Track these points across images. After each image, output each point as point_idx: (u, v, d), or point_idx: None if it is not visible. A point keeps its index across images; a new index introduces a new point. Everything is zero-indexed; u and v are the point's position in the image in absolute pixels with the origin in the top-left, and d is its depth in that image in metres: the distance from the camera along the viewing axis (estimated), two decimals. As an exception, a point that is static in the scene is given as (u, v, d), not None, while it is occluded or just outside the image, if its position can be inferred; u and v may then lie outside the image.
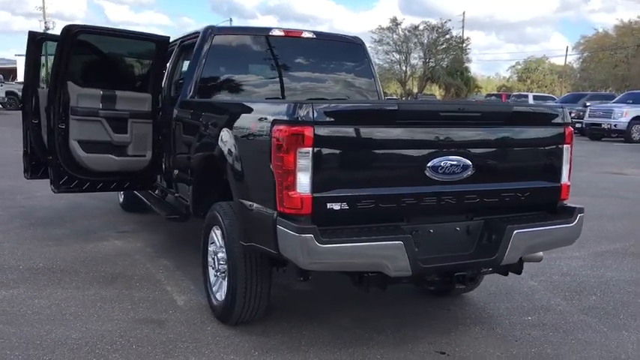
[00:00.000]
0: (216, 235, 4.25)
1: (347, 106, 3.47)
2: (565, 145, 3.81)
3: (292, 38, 5.44)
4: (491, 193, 3.61)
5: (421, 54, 60.11)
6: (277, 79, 5.43)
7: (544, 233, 3.68)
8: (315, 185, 3.16)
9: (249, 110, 3.80)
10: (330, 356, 3.76)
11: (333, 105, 3.33)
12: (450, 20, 60.30)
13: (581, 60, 63.85)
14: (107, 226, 6.92)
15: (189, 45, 5.93)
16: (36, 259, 5.55)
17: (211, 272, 4.39)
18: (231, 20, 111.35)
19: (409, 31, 59.95)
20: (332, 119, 3.18)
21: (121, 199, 7.76)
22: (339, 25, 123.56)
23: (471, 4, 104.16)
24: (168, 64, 5.87)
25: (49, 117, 5.43)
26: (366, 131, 3.28)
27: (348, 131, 3.24)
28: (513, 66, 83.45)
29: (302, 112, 3.14)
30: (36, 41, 6.21)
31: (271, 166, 3.28)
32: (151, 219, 7.25)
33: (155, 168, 5.88)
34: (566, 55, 68.55)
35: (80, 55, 5.62)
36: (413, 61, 60.87)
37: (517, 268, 3.79)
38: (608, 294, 5.08)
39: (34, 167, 6.46)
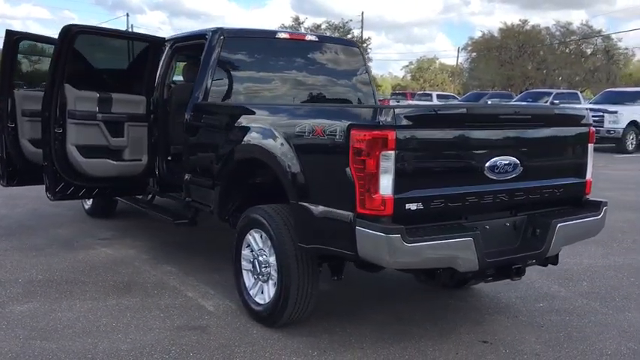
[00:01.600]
0: (255, 238, 4.26)
1: (423, 110, 3.62)
2: (589, 144, 4.16)
3: (297, 41, 5.50)
4: (534, 190, 3.88)
5: (324, 53, 60.84)
6: (285, 81, 5.47)
7: (580, 225, 3.99)
8: (396, 187, 3.28)
9: (310, 114, 3.85)
10: (385, 352, 3.89)
11: (411, 109, 3.46)
12: (351, 20, 61.76)
13: (469, 60, 67.03)
14: (83, 234, 6.64)
15: (183, 47, 5.85)
16: (31, 271, 5.27)
17: (247, 276, 4.40)
18: (128, 15, 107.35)
19: (312, 30, 60.80)
20: (410, 123, 3.31)
21: (87, 206, 7.45)
22: (231, 22, 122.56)
23: (361, 5, 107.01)
24: (160, 66, 5.73)
25: (45, 121, 5.17)
26: (438, 134, 3.45)
27: (424, 134, 3.39)
28: (407, 65, 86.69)
29: (383, 117, 3.25)
30: (13, 40, 5.87)
31: (348, 169, 3.36)
32: (125, 225, 7.05)
33: (149, 172, 5.74)
34: (458, 56, 71.83)
35: (74, 57, 5.38)
36: (316, 60, 61.48)
37: (554, 259, 4.08)
38: (595, 279, 5.53)
39: (11, 174, 6.10)
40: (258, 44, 5.34)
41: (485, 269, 3.65)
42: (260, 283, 4.28)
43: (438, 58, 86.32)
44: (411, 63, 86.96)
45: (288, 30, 5.96)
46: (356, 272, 4.24)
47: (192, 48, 5.84)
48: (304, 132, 3.72)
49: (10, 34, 5.84)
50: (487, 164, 3.61)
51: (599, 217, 4.12)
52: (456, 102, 32.11)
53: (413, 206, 3.36)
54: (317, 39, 5.62)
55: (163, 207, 5.93)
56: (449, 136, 3.48)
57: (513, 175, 3.73)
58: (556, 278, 5.50)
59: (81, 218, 7.36)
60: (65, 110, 5.17)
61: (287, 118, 4.03)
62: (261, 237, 4.23)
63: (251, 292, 4.35)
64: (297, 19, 61.73)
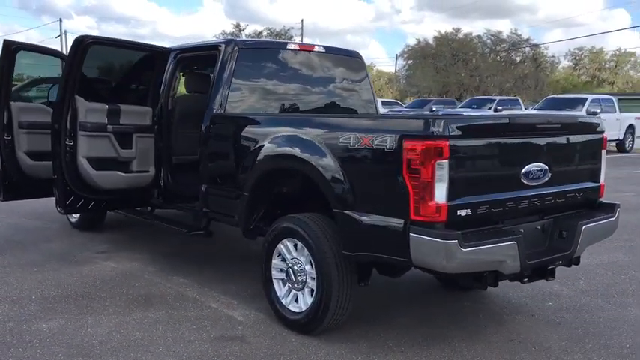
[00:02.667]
0: (287, 247, 4.33)
1: (470, 121, 3.76)
2: (602, 150, 4.43)
3: (306, 52, 5.59)
4: (560, 195, 4.11)
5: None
6: (298, 91, 5.55)
7: (600, 227, 4.25)
8: (449, 194, 3.43)
9: (354, 125, 3.95)
10: (425, 354, 4.03)
11: (462, 119, 3.62)
12: (292, 28, 62.12)
13: (406, 67, 68.27)
14: (77, 247, 6.50)
15: (188, 58, 5.84)
16: (41, 288, 5.15)
17: (277, 285, 4.45)
18: (61, 21, 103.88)
19: (252, 37, 60.74)
20: (459, 133, 3.46)
21: (73, 219, 7.28)
22: (163, 29, 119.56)
23: (294, 12, 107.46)
24: (164, 77, 5.70)
25: (56, 133, 5.07)
26: (483, 142, 3.63)
27: (471, 143, 3.55)
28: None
29: (436, 128, 3.39)
30: (11, 51, 5.71)
31: (400, 178, 3.48)
32: (118, 238, 6.95)
33: (156, 183, 5.71)
34: (396, 63, 73.16)
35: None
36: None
37: (576, 260, 4.32)
38: (590, 278, 5.84)
39: (9, 188, 5.92)
40: (269, 55, 5.40)
41: (525, 271, 3.83)
42: (294, 291, 4.34)
43: (375, 65, 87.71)
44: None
45: (297, 42, 6.01)
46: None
47: (199, 59, 5.85)
48: (349, 143, 3.82)
49: (7, 44, 5.67)
50: (523, 171, 3.82)
51: (614, 218, 4.39)
52: (401, 109, 32.66)
53: (463, 212, 3.52)
54: (324, 50, 5.72)
55: (170, 218, 5.88)
56: (492, 144, 3.66)
57: (544, 181, 3.95)
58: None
59: (69, 232, 7.18)
60: (76, 122, 5.07)
61: (327, 128, 4.11)
62: (294, 246, 4.30)
63: (283, 301, 4.40)
64: (237, 26, 61.81)
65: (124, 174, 5.40)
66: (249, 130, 4.76)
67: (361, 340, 4.22)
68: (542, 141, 3.95)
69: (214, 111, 5.06)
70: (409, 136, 3.48)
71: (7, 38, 5.75)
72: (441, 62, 61.12)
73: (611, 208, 4.42)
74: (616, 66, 69.79)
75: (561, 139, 4.09)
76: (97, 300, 4.88)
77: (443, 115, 3.94)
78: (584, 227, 4.06)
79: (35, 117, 5.93)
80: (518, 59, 61.61)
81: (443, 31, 61.62)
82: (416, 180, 3.42)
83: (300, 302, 4.28)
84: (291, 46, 5.48)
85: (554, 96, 26.70)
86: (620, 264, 6.35)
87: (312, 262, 4.11)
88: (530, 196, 3.89)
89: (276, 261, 4.45)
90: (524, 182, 3.84)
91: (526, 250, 3.77)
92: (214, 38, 58.05)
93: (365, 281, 4.24)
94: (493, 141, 3.66)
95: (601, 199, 4.51)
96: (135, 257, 6.14)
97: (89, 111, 5.13)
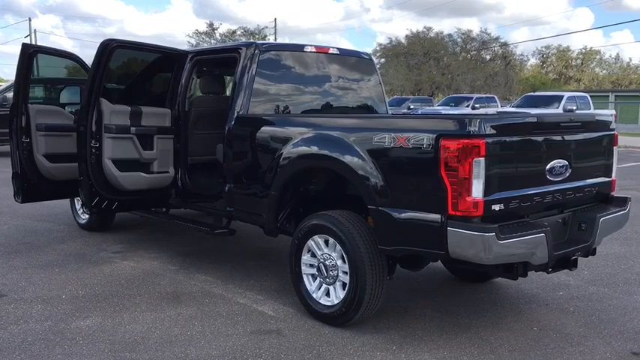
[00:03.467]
0: (318, 243, 4.49)
1: (503, 119, 3.96)
2: (614, 147, 4.68)
3: (322, 54, 5.75)
4: (579, 189, 4.35)
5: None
6: (314, 92, 5.72)
7: (615, 219, 4.50)
8: (485, 190, 3.63)
9: (389, 126, 4.12)
10: (455, 342, 4.23)
11: (496, 119, 3.82)
12: (267, 27, 62.19)
13: (379, 66, 68.60)
14: (92, 248, 6.56)
15: (205, 60, 5.96)
16: (68, 287, 5.23)
17: (307, 280, 4.61)
18: (30, 20, 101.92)
19: (226, 37, 60.63)
20: (494, 131, 3.67)
21: (82, 220, 7.31)
22: (130, 27, 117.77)
23: (263, 11, 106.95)
24: (181, 80, 5.81)
25: (82, 135, 5.15)
26: (514, 140, 3.83)
27: (504, 141, 3.76)
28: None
29: (473, 127, 3.59)
30: (29, 54, 5.76)
31: (437, 175, 3.67)
32: (129, 237, 7.03)
33: (174, 184, 5.82)
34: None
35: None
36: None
37: (594, 251, 4.56)
38: (593, 269, 6.10)
39: (27, 190, 5.97)
40: (288, 57, 5.55)
41: (551, 262, 4.06)
42: (325, 285, 4.50)
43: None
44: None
45: (312, 44, 6.09)
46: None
47: (217, 61, 5.96)
48: (384, 142, 4.00)
49: (25, 47, 5.72)
50: (547, 167, 4.04)
51: (627, 211, 4.64)
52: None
53: (497, 207, 3.72)
54: (338, 52, 5.89)
55: (190, 218, 6.00)
56: (522, 142, 3.87)
57: (565, 176, 4.18)
58: (560, 269, 6.04)
59: (79, 233, 7.22)
60: (101, 125, 5.16)
61: (360, 128, 4.29)
62: (325, 242, 4.46)
63: (314, 295, 4.56)
64: (211, 25, 61.61)
65: (146, 175, 5.50)
66: (278, 131, 4.91)
67: (391, 331, 4.40)
68: (564, 138, 4.17)
69: (238, 112, 5.18)
70: (446, 135, 3.67)
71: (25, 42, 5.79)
72: (413, 60, 61.57)
73: (623, 202, 4.67)
74: (582, 64, 71.39)
75: (580, 137, 4.33)
76: (126, 298, 4.98)
77: (477, 115, 4.12)
78: (602, 219, 4.30)
79: (52, 119, 5.99)
80: (488, 57, 62.55)
81: (414, 30, 62.22)
82: (454, 177, 3.62)
83: (332, 296, 4.44)
84: (308, 48, 5.63)
85: (532, 94, 27.31)
86: (619, 255, 6.64)
87: (345, 257, 4.28)
88: (554, 190, 4.12)
89: (305, 257, 4.61)
90: (549, 178, 4.07)
91: (551, 242, 3.99)
92: (188, 37, 57.37)
93: (390, 275, 4.44)
94: (522, 139, 3.87)
95: (613, 193, 4.76)
96: (152, 257, 6.24)
97: (113, 113, 5.23)
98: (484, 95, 34.22)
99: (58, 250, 6.45)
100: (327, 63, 5.82)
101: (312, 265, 4.59)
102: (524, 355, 4.04)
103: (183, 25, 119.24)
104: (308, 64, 5.67)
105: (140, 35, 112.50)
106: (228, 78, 6.85)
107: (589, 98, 24.34)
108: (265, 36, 61.54)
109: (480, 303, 5.05)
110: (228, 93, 6.33)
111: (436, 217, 3.73)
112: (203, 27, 61.39)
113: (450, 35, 62.11)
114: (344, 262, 4.33)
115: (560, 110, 21.28)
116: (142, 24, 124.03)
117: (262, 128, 5.01)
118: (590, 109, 23.19)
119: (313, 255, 4.57)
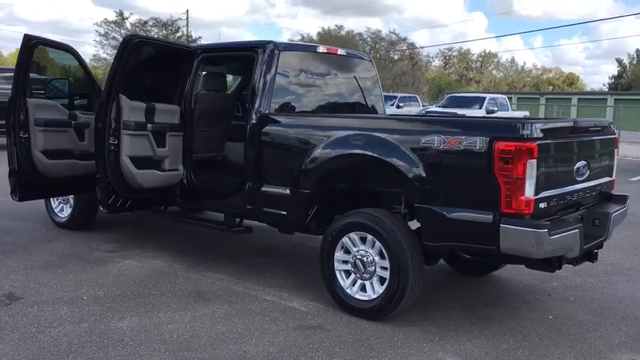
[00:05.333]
0: (353, 240, 4.64)
1: (550, 124, 4.25)
2: (615, 149, 5.13)
3: (332, 55, 5.89)
4: (593, 188, 4.74)
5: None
6: (329, 91, 5.85)
7: (621, 215, 4.93)
8: (536, 189, 3.92)
9: (437, 128, 4.32)
10: (487, 332, 4.51)
11: (543, 123, 4.11)
12: (180, 19, 61.04)
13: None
14: (82, 247, 6.34)
15: (213, 58, 5.94)
16: (84, 288, 5.08)
17: (340, 276, 4.75)
18: None
19: (137, 27, 58.98)
20: (542, 135, 3.96)
21: (60, 219, 7.04)
22: (21, 12, 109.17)
23: (164, 1, 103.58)
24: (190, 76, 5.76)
25: (100, 132, 5.01)
26: (557, 142, 4.15)
27: (550, 143, 4.06)
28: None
29: (527, 131, 3.87)
30: (30, 45, 5.50)
31: (490, 175, 3.92)
32: (116, 237, 6.84)
33: (181, 181, 5.77)
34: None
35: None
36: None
37: (601, 245, 4.97)
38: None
39: (24, 187, 5.70)
40: (303, 57, 5.65)
41: (580, 255, 4.41)
42: (360, 281, 4.66)
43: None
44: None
45: (320, 45, 6.13)
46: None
47: (227, 59, 5.95)
48: (432, 143, 4.20)
49: (27, 38, 5.46)
50: (574, 167, 4.39)
51: (627, 207, 5.10)
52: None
53: (543, 205, 4.03)
54: (345, 53, 6.05)
55: (200, 217, 5.96)
56: (561, 144, 4.21)
57: (586, 176, 4.55)
58: (544, 262, 6.48)
59: (58, 232, 6.95)
60: (119, 121, 5.04)
61: (403, 130, 4.47)
62: (361, 239, 4.61)
63: (348, 291, 4.70)
64: (121, 14, 59.76)
65: (160, 172, 5.43)
66: (309, 130, 5.00)
67: (424, 323, 4.62)
68: (587, 141, 4.55)
69: (261, 111, 5.21)
70: (501, 137, 3.92)
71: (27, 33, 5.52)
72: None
73: (623, 199, 5.12)
74: (481, 66, 75.08)
75: (597, 140, 4.72)
76: (152, 298, 4.91)
77: (527, 119, 4.41)
78: (613, 215, 4.71)
79: (51, 114, 5.76)
80: (396, 57, 64.46)
81: (326, 27, 63.08)
82: (507, 177, 3.88)
83: (369, 291, 4.60)
84: (321, 49, 5.76)
85: (456, 95, 28.53)
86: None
87: (386, 253, 4.45)
88: (578, 189, 4.49)
89: (339, 254, 4.74)
90: (576, 178, 4.42)
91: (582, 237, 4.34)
92: (95, 26, 55.29)
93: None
94: (562, 141, 4.20)
95: (612, 191, 5.21)
96: (151, 256, 6.13)
97: (131, 110, 5.12)
98: (407, 95, 35.20)
99: (47, 250, 6.20)
100: (338, 64, 5.97)
101: (345, 262, 4.72)
102: (553, 342, 4.37)
103: (79, 12, 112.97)
104: (322, 64, 5.80)
105: (32, 21, 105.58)
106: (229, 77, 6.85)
107: (507, 100, 25.87)
108: (178, 27, 60.59)
109: (489, 294, 5.37)
110: (229, 91, 6.33)
111: (488, 214, 3.98)
112: (112, 16, 58.94)
113: (360, 34, 63.56)
114: (382, 258, 4.50)
115: (482, 111, 22.38)
116: (33, 9, 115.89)
117: (290, 127, 5.08)
118: (508, 110, 24.55)
119: (347, 252, 4.71)
